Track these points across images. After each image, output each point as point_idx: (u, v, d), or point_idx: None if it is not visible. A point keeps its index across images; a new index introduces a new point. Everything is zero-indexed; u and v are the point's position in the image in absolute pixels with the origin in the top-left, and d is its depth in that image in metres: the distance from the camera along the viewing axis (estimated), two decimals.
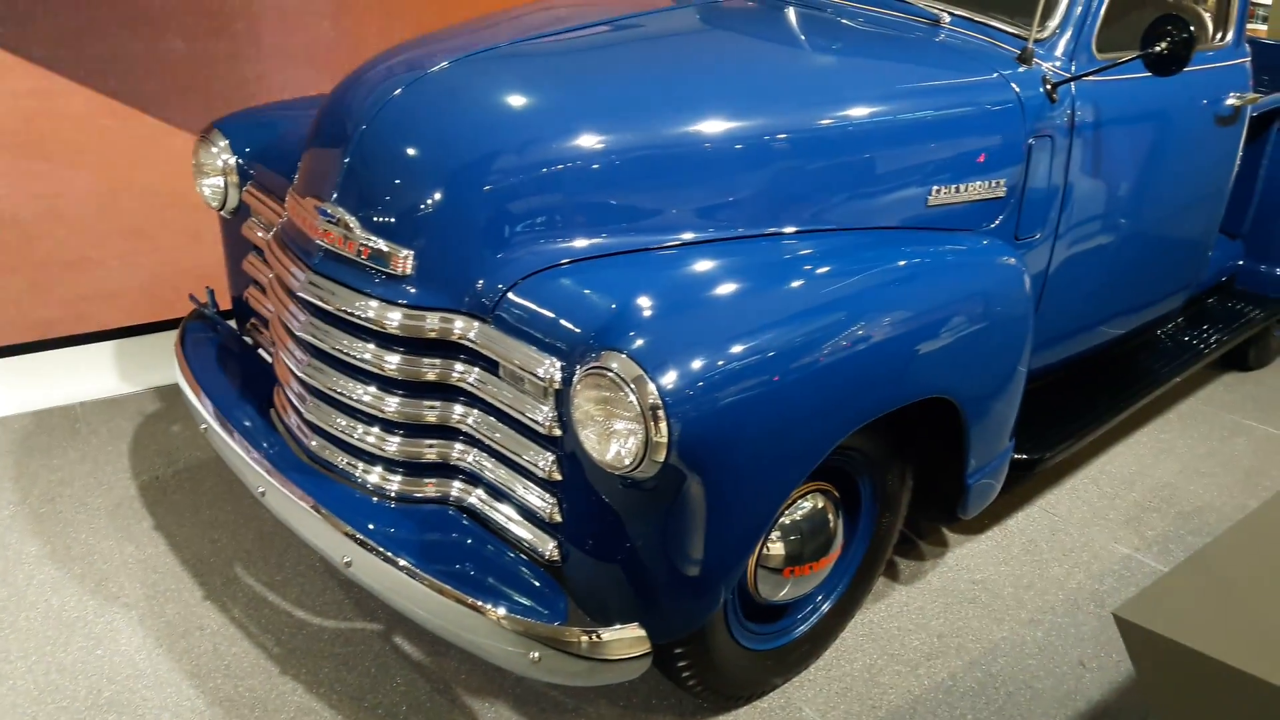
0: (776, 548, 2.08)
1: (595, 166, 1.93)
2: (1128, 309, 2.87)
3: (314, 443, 2.11)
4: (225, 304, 2.72)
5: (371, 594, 1.97)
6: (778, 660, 2.25)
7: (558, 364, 1.74)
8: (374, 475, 2.02)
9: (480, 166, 1.90)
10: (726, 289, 1.84)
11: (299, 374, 2.09)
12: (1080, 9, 2.35)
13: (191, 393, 2.34)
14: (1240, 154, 2.96)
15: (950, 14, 2.45)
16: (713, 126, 2.03)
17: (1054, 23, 2.36)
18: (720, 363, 1.68)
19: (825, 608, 2.30)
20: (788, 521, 2.08)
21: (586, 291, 1.81)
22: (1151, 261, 2.79)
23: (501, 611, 1.75)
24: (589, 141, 1.93)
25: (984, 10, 2.45)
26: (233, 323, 2.67)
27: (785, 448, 1.78)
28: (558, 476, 1.83)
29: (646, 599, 1.81)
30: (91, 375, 3.35)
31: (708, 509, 1.73)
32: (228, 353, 2.51)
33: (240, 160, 2.43)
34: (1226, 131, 2.82)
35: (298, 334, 2.06)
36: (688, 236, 1.97)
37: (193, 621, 2.39)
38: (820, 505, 2.14)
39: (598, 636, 1.75)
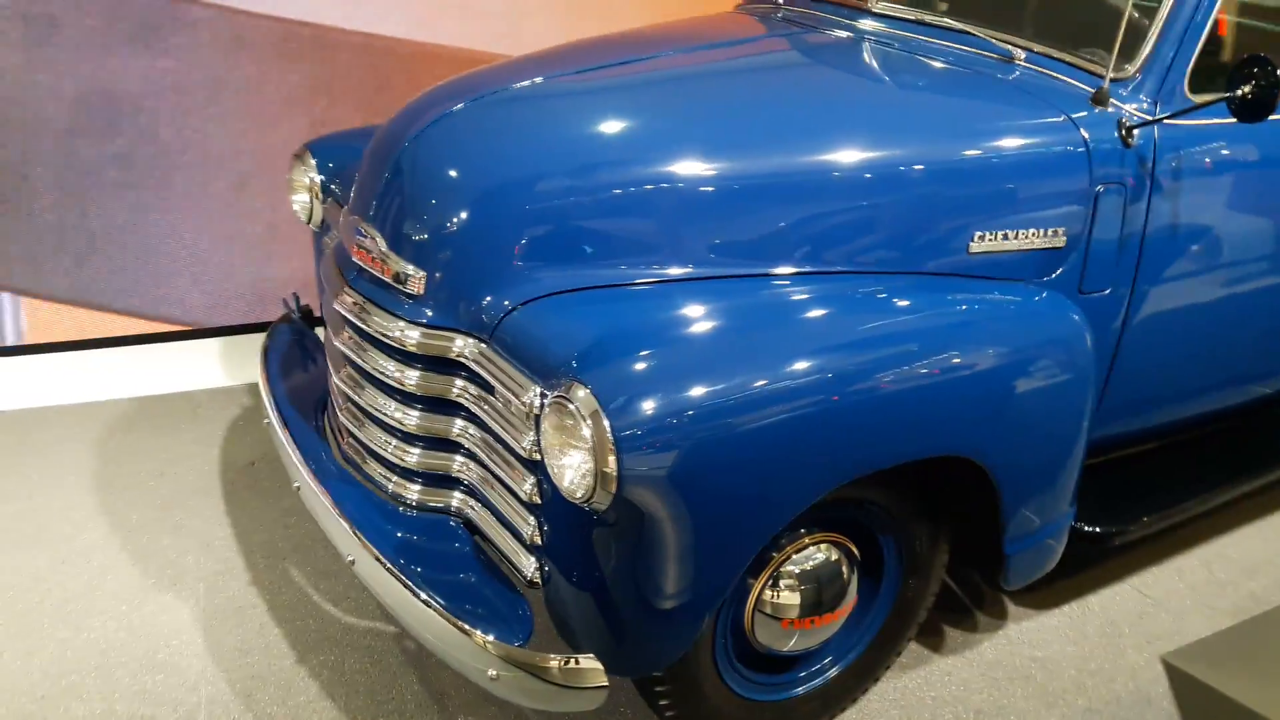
0: (776, 596, 2.03)
1: (599, 202, 1.96)
2: (1231, 378, 2.59)
3: (346, 446, 2.24)
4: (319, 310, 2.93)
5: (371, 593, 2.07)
6: (781, 714, 2.18)
7: (538, 390, 1.77)
8: (387, 480, 2.12)
9: (490, 197, 1.97)
10: (713, 329, 1.82)
11: (337, 381, 2.23)
12: (1168, 47, 2.16)
13: (263, 389, 2.53)
14: None
15: (1028, 50, 2.31)
16: (727, 164, 2.01)
17: (1138, 62, 2.18)
18: (687, 403, 1.66)
19: (835, 670, 2.20)
20: (793, 570, 2.02)
21: (576, 322, 1.83)
22: (1261, 328, 2.50)
23: (467, 625, 1.80)
24: (593, 178, 1.97)
25: (1069, 47, 2.29)
26: (320, 330, 2.87)
27: (756, 495, 1.74)
28: (538, 500, 1.86)
29: (608, 631, 1.81)
30: (219, 365, 3.67)
31: (667, 548, 1.72)
32: (305, 355, 2.69)
33: (324, 178, 2.61)
34: None
35: (336, 344, 2.20)
36: (695, 271, 1.96)
37: (248, 600, 2.57)
38: (831, 558, 2.05)
39: (552, 663, 1.76)
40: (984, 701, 2.39)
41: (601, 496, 1.65)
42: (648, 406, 1.64)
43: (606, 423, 1.61)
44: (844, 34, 2.56)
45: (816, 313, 1.90)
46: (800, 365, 1.76)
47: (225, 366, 3.69)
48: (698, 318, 1.84)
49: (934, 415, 1.87)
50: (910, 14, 2.55)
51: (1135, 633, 2.62)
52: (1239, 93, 1.98)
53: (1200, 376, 2.50)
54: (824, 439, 1.76)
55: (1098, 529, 2.41)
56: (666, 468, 1.64)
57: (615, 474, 1.62)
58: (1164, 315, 2.31)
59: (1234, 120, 2.09)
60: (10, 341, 3.59)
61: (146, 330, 3.72)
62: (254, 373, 3.66)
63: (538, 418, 1.78)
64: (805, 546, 2.03)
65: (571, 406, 1.65)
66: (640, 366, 1.70)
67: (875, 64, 2.42)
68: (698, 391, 1.68)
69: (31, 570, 2.64)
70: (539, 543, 1.88)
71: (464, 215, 1.97)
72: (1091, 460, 2.57)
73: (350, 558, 2.03)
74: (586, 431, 1.63)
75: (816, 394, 1.75)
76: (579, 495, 1.67)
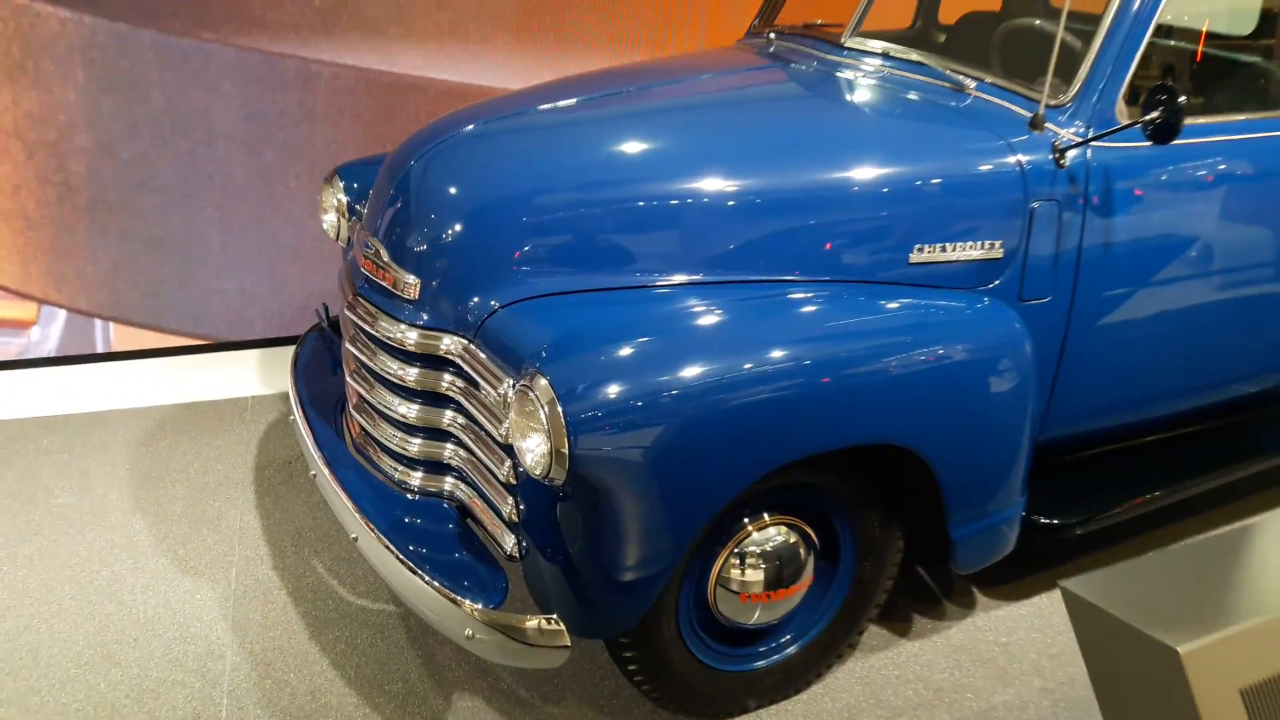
0: (735, 572, 2.23)
1: (574, 218, 2.21)
2: (1181, 383, 2.71)
3: (358, 438, 2.50)
4: None
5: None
6: (747, 685, 2.38)
7: (510, 381, 2.02)
8: (393, 469, 2.38)
9: (478, 214, 2.23)
10: (667, 329, 2.04)
11: (349, 379, 2.50)
12: (1099, 76, 2.34)
13: (291, 390, 2.82)
14: None
15: (979, 80, 2.50)
16: (693, 185, 2.24)
17: (1073, 90, 2.36)
18: (635, 393, 1.89)
19: (796, 646, 2.39)
20: (752, 549, 2.22)
21: (546, 322, 2.07)
22: (1206, 336, 2.64)
23: (447, 591, 2.03)
24: (569, 198, 2.23)
25: (1020, 78, 2.48)
26: None
27: (697, 475, 1.95)
28: (514, 481, 2.09)
29: (571, 596, 2.03)
30: (268, 374, 3.99)
31: (619, 521, 1.94)
32: (331, 360, 2.97)
33: (349, 199, 2.89)
34: None
35: (347, 346, 2.47)
36: (659, 279, 2.19)
37: (274, 582, 2.84)
38: (789, 539, 2.26)
39: (517, 623, 1.99)
40: (944, 680, 2.55)
41: (558, 473, 1.88)
42: (599, 395, 1.87)
43: (560, 409, 1.85)
44: (819, 66, 2.78)
45: (767, 316, 2.11)
46: (739, 361, 1.97)
47: (273, 375, 4.00)
48: (655, 319, 2.07)
49: (864, 406, 2.07)
50: (877, 48, 2.76)
51: None
52: (1150, 117, 2.16)
53: (1148, 381, 2.64)
54: (759, 426, 1.97)
55: (1055, 520, 2.57)
56: (614, 449, 1.87)
57: (568, 454, 1.85)
58: (1106, 322, 2.47)
59: (1192, 142, 2.27)
60: (100, 348, 3.97)
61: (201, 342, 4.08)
62: None
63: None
64: (765, 527, 2.23)
65: (532, 395, 1.89)
66: (596, 360, 1.94)
67: (839, 93, 2.64)
68: (646, 382, 1.90)
69: (85, 553, 2.95)
70: (516, 519, 2.11)
71: (455, 229, 2.23)
72: (1053, 460, 2.74)
73: (354, 535, 2.28)
74: (543, 416, 1.86)
75: (753, 386, 1.96)
76: (538, 473, 1.90)
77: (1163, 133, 2.15)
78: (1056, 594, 2.88)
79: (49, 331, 3.93)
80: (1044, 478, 2.69)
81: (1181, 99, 2.11)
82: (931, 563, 2.63)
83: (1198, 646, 1.41)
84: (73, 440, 3.54)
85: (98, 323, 3.98)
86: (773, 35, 3.12)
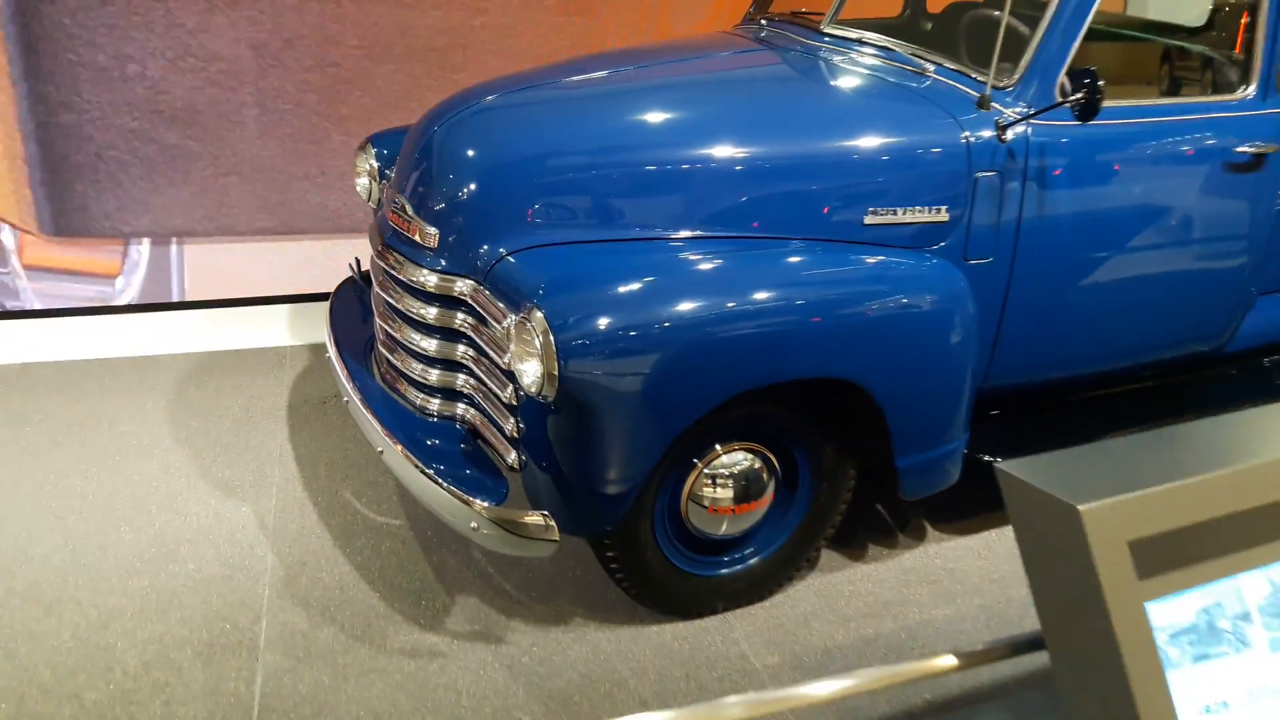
0: (705, 489, 2.59)
1: (577, 178, 2.57)
2: (1118, 341, 3.00)
3: (385, 371, 2.88)
4: None
5: (391, 474, 2.70)
6: (715, 588, 2.74)
7: (514, 315, 2.38)
8: (415, 396, 2.75)
9: (490, 173, 2.60)
10: (650, 274, 2.39)
11: (378, 320, 2.87)
12: (1040, 61, 2.65)
13: (327, 332, 3.20)
14: (1275, 204, 3.02)
15: (939, 65, 2.83)
16: (683, 152, 2.60)
17: (1018, 73, 2.68)
18: (615, 325, 2.25)
19: (758, 558, 2.74)
20: (720, 470, 2.58)
21: (545, 267, 2.44)
22: (1138, 298, 2.94)
23: (457, 490, 2.41)
24: (573, 160, 2.59)
25: (969, 62, 2.80)
26: None
27: (666, 396, 2.31)
28: (515, 402, 2.46)
29: (560, 498, 2.40)
30: (307, 326, 4.38)
31: (599, 434, 2.30)
32: (363, 307, 3.34)
33: (380, 165, 3.26)
34: (1245, 180, 2.92)
35: (376, 290, 2.84)
36: (648, 233, 2.55)
37: (309, 500, 3.23)
38: (750, 462, 2.61)
39: (513, 517, 2.36)
40: (892, 595, 2.90)
41: (549, 391, 2.24)
42: (586, 326, 2.23)
43: (553, 338, 2.21)
44: (800, 51, 3.11)
45: (731, 265, 2.46)
46: (706, 302, 2.33)
47: (311, 328, 4.39)
48: (637, 266, 2.42)
49: (814, 344, 2.42)
50: (853, 34, 3.09)
51: None
52: (1075, 98, 2.48)
53: (1083, 337, 2.94)
54: (721, 357, 2.33)
55: (999, 459, 2.90)
56: (597, 372, 2.23)
57: (558, 375, 2.21)
58: (1044, 282, 2.79)
59: (1115, 122, 2.59)
60: (175, 298, 4.39)
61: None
62: None
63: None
64: (732, 451, 2.59)
65: (529, 325, 2.25)
66: (585, 298, 2.30)
67: (813, 75, 2.97)
68: (626, 317, 2.27)
69: (144, 471, 3.36)
70: (517, 436, 2.48)
71: (471, 187, 2.60)
72: (1002, 408, 3.07)
73: (380, 449, 2.66)
74: (538, 344, 2.23)
75: (717, 323, 2.32)
76: (534, 391, 2.27)
77: (1086, 111, 2.48)
78: (1004, 530, 3.22)
79: (131, 280, 4.35)
80: (993, 423, 3.03)
81: (1101, 82, 2.42)
82: (887, 498, 2.96)
83: (1095, 506, 1.72)
84: (131, 380, 3.95)
85: (174, 272, 4.38)
86: (764, 21, 3.45)
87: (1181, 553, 1.77)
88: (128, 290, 4.39)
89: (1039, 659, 1.98)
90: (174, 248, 4.42)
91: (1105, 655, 1.72)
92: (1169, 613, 1.74)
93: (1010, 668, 2.59)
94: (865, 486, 2.84)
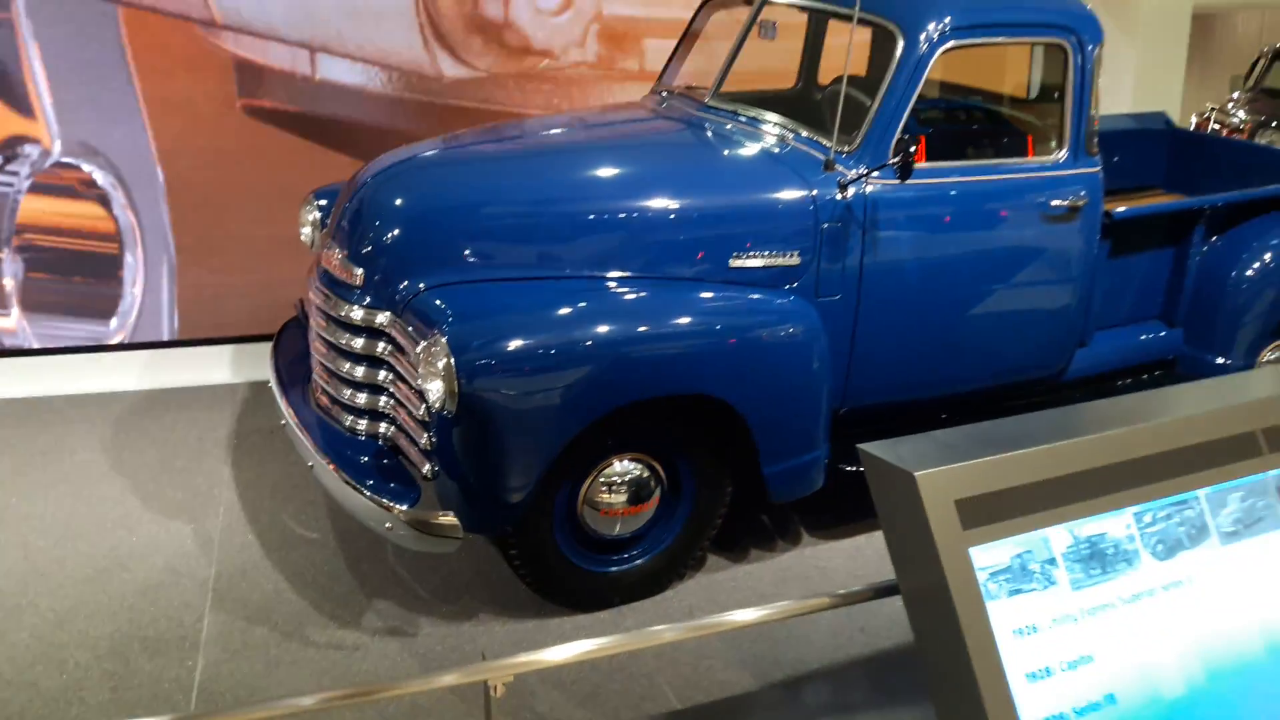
0: (599, 493, 2.98)
1: (482, 226, 3.02)
2: (955, 372, 3.45)
3: (319, 396, 3.27)
4: None
5: (325, 494, 3.07)
6: (610, 584, 3.12)
7: (424, 342, 2.78)
8: (344, 417, 3.13)
9: (409, 221, 3.04)
10: (540, 307, 2.82)
11: (313, 351, 3.26)
12: (875, 130, 3.13)
13: (270, 364, 3.58)
14: (1094, 250, 3.51)
15: (797, 133, 3.31)
16: (575, 205, 3.05)
17: (858, 140, 3.16)
18: (508, 351, 2.68)
19: (646, 558, 3.13)
20: (611, 476, 2.98)
21: (452, 300, 2.85)
22: (970, 330, 3.37)
23: (374, 495, 2.79)
24: (480, 210, 3.05)
25: (819, 130, 3.28)
26: None
27: (553, 412, 2.73)
28: (428, 419, 2.85)
29: (465, 501, 2.78)
30: (255, 364, 4.75)
31: (494, 443, 2.71)
32: (303, 342, 3.72)
33: (322, 215, 3.67)
34: (1062, 229, 3.41)
35: (312, 325, 3.24)
36: (544, 272, 2.98)
37: (252, 519, 3.58)
38: (637, 470, 3.01)
39: (424, 518, 2.75)
40: (769, 590, 3.29)
41: (451, 406, 2.64)
42: (483, 351, 2.65)
43: (452, 361, 2.62)
44: (688, 120, 3.59)
45: (613, 300, 2.90)
46: (590, 330, 2.77)
47: (262, 366, 4.72)
48: (532, 300, 2.85)
49: (683, 365, 2.85)
50: (729, 107, 3.56)
51: None
52: (893, 161, 2.98)
53: (924, 365, 3.38)
54: (601, 377, 2.75)
55: (853, 468, 3.32)
56: (492, 389, 2.65)
57: (457, 393, 2.62)
58: (887, 315, 3.24)
59: (938, 180, 3.08)
60: (166, 337, 4.76)
61: None
62: None
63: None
64: (623, 460, 2.99)
65: (434, 350, 2.66)
66: (483, 326, 2.73)
67: (692, 140, 3.46)
68: (516, 344, 2.69)
69: (102, 494, 3.69)
70: (429, 448, 2.87)
71: (394, 232, 3.02)
72: (865, 426, 3.50)
73: (310, 463, 3.04)
74: (441, 365, 2.63)
75: (599, 348, 2.75)
76: (439, 407, 2.67)
77: (904, 171, 2.97)
78: (873, 535, 3.62)
79: (125, 323, 4.69)
80: (857, 438, 3.44)
81: (913, 148, 2.91)
82: (766, 507, 3.35)
83: (927, 473, 2.12)
84: (93, 413, 4.30)
85: (165, 313, 4.73)
86: (664, 94, 3.93)
87: (999, 510, 2.17)
88: (123, 331, 4.73)
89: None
90: (165, 289, 4.77)
91: (939, 589, 2.11)
92: (989, 556, 2.14)
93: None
94: (747, 496, 3.25)
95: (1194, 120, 8.99)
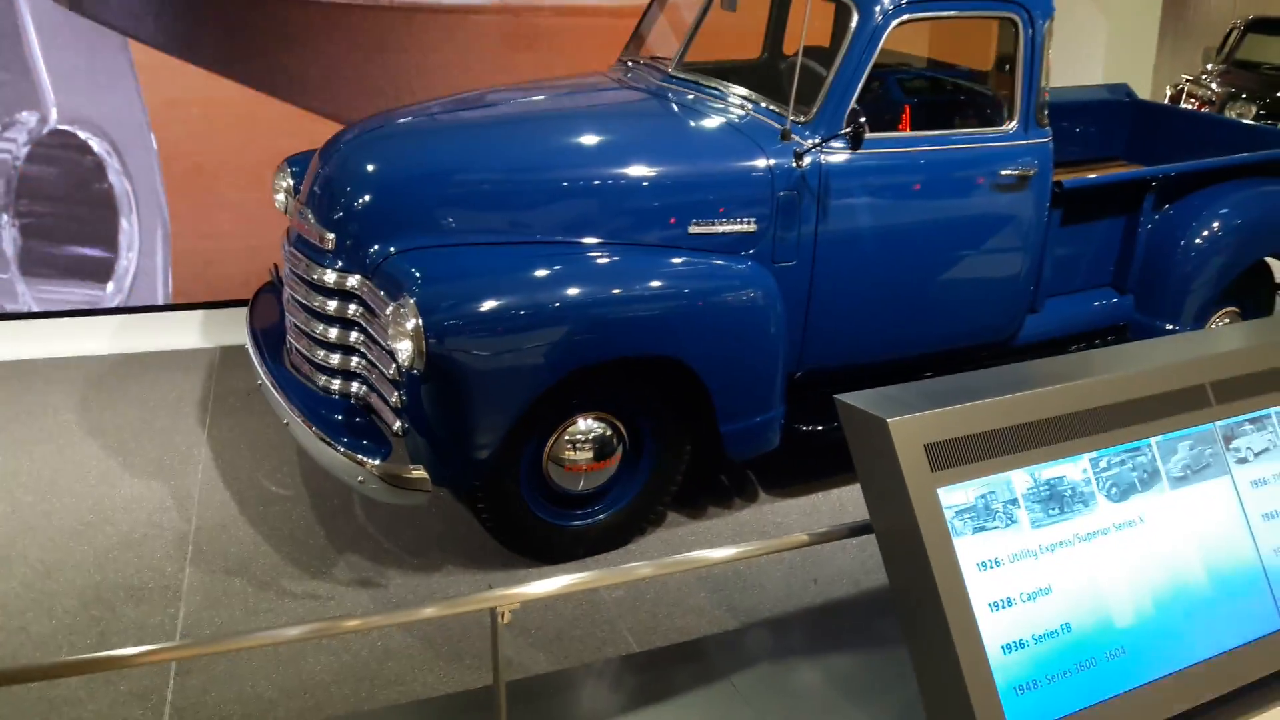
0: (564, 450, 3.12)
1: (453, 191, 3.13)
2: (906, 334, 3.59)
3: (294, 357, 3.39)
4: None
5: (300, 451, 3.20)
6: (575, 537, 3.26)
7: (393, 305, 2.90)
8: (317, 377, 3.26)
9: (379, 186, 3.14)
10: (506, 270, 2.94)
11: (288, 314, 3.38)
12: (830, 101, 3.25)
13: (246, 327, 3.69)
14: (1044, 219, 3.65)
15: (754, 103, 3.42)
16: (542, 173, 3.17)
17: (814, 111, 3.28)
18: (474, 312, 2.80)
19: (608, 513, 3.27)
20: (575, 434, 3.11)
21: (422, 264, 2.97)
22: (922, 296, 3.51)
23: (347, 450, 2.92)
24: (451, 176, 3.16)
25: (779, 100, 3.39)
26: None
27: (517, 371, 2.86)
28: (399, 378, 2.98)
29: (433, 455, 2.92)
30: (235, 328, 4.85)
31: (461, 401, 2.84)
32: (279, 306, 3.83)
33: (294, 182, 3.77)
34: (1012, 198, 3.54)
35: (286, 289, 3.35)
36: (509, 238, 3.09)
37: (231, 475, 3.71)
38: (600, 429, 3.15)
39: (396, 472, 2.88)
40: (727, 543, 3.44)
41: (420, 364, 2.77)
42: (450, 313, 2.77)
43: (420, 322, 2.74)
44: (651, 90, 3.69)
45: (578, 264, 3.02)
46: (553, 293, 2.90)
47: (241, 330, 4.85)
48: (503, 264, 2.97)
49: (643, 328, 2.98)
50: (691, 78, 3.67)
51: (858, 511, 3.66)
52: (845, 130, 3.09)
53: (876, 328, 3.51)
54: (563, 338, 2.87)
55: (817, 428, 3.47)
56: (459, 349, 2.78)
57: (425, 352, 2.74)
58: (841, 281, 3.37)
59: (890, 150, 3.20)
60: (161, 300, 4.87)
61: None
62: None
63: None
64: (587, 418, 3.12)
65: (403, 311, 2.78)
66: (450, 289, 2.84)
67: (654, 110, 3.56)
68: (482, 305, 2.81)
69: (85, 452, 3.81)
70: (400, 406, 2.99)
71: (365, 197, 3.13)
72: (820, 388, 3.64)
73: (286, 421, 3.16)
74: (410, 326, 2.76)
75: (561, 310, 2.87)
76: (407, 365, 2.79)
77: (855, 141, 3.10)
78: (828, 493, 3.78)
79: (122, 285, 4.79)
80: (812, 399, 3.59)
81: (863, 118, 3.03)
82: (725, 466, 3.49)
83: (898, 419, 2.29)
84: (75, 375, 4.41)
85: (159, 276, 4.84)
86: (629, 64, 4.03)
87: (965, 454, 2.35)
88: (119, 294, 4.85)
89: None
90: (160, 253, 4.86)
91: (908, 527, 2.28)
92: (955, 496, 2.32)
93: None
94: (706, 456, 3.39)
95: (1168, 92, 9.11)
